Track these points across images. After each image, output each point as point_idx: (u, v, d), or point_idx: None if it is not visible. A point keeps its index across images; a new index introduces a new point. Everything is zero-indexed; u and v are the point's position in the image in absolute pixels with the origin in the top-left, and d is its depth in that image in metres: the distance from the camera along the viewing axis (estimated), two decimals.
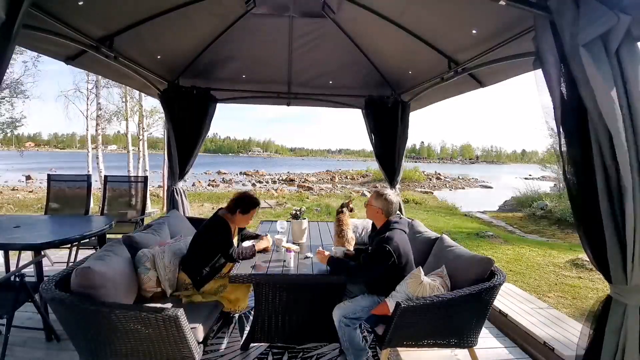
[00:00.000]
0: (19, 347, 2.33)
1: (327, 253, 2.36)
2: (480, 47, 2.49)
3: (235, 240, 2.75)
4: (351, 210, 2.96)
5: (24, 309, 2.35)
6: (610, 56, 1.25)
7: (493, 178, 37.07)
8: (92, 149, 10.44)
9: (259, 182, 26.17)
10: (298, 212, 2.99)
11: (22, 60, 9.09)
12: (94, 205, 6.91)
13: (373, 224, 2.55)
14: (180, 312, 1.69)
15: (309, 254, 2.66)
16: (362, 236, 3.66)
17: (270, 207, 10.92)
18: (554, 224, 9.64)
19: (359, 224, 3.90)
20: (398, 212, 2.50)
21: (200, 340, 1.98)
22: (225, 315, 2.74)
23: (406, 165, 32.03)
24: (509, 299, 3.07)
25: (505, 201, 15.15)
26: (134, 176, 8.74)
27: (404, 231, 2.27)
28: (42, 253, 2.59)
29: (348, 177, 32.29)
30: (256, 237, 2.95)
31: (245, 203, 2.55)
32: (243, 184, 24.12)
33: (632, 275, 1.30)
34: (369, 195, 3.74)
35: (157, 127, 10.95)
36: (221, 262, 2.49)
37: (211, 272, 2.42)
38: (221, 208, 2.60)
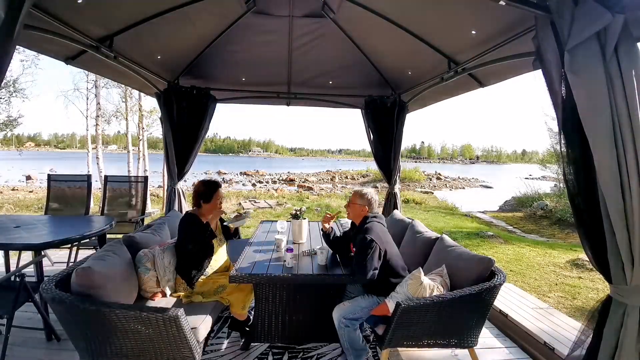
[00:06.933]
0: (19, 347, 2.33)
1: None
2: (480, 47, 2.49)
3: (220, 236, 2.65)
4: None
5: (24, 309, 2.35)
6: (607, 57, 1.25)
7: (493, 178, 37.01)
8: (92, 149, 10.43)
9: (259, 182, 26.14)
10: (298, 212, 2.99)
11: (19, 59, 9.07)
12: (94, 205, 6.91)
13: (352, 225, 2.56)
14: (181, 312, 1.69)
15: (305, 250, 2.73)
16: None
17: (270, 207, 10.91)
18: (554, 224, 9.62)
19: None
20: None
21: (201, 340, 1.98)
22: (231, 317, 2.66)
23: (406, 165, 32.07)
24: (509, 299, 3.07)
25: (506, 201, 15.11)
26: (134, 176, 8.72)
27: (382, 223, 2.38)
28: (42, 253, 2.58)
29: (348, 177, 32.28)
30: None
31: (204, 192, 2.46)
32: (243, 184, 24.10)
33: (632, 275, 1.30)
34: None
35: (157, 127, 10.90)
36: (203, 259, 2.40)
37: (197, 269, 2.36)
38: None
